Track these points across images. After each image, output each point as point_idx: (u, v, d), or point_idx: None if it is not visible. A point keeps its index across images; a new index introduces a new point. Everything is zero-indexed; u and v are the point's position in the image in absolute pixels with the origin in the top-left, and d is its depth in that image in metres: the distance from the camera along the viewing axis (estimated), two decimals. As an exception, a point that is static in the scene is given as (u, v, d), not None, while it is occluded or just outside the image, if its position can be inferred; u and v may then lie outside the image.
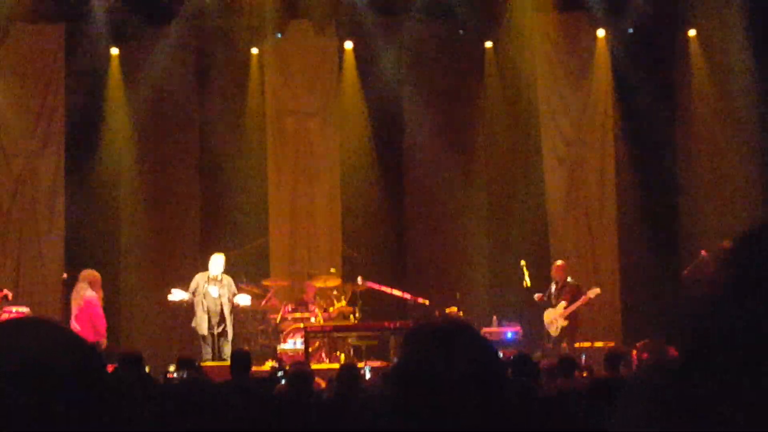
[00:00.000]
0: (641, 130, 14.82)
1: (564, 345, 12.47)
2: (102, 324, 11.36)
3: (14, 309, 12.01)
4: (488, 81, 15.45)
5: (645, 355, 9.66)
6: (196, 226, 15.14)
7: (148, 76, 14.81)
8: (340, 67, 15.19)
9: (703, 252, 12.84)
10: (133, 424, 1.16)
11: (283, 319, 13.08)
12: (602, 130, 14.80)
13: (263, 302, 13.40)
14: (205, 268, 12.55)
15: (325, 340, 12.70)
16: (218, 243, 13.76)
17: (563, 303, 12.68)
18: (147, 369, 8.52)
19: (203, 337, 12.26)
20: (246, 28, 14.90)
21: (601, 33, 14.81)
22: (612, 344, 12.25)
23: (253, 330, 13.47)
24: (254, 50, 15.24)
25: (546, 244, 14.65)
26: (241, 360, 8.08)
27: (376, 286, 13.43)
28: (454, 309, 13.12)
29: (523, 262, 13.31)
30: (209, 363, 11.67)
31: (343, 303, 13.25)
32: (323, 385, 7.83)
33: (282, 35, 15.07)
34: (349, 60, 15.24)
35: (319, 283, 13.42)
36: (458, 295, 13.71)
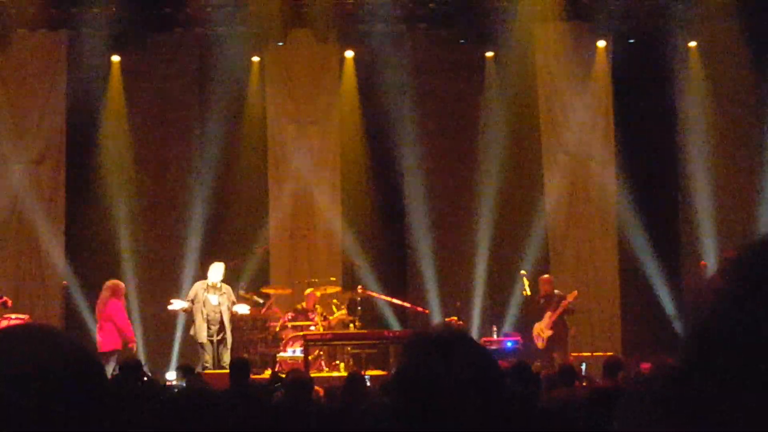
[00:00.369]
0: (642, 140, 14.84)
1: (555, 355, 12.49)
2: (128, 329, 11.87)
3: (14, 316, 12.02)
4: (489, 90, 15.47)
5: (645, 365, 9.66)
6: (197, 234, 15.14)
7: (148, 83, 14.84)
8: (341, 76, 15.22)
9: (702, 263, 12.85)
10: (131, 430, 1.17)
11: (283, 327, 13.07)
12: (603, 140, 14.81)
13: (263, 310, 13.40)
14: (205, 276, 12.58)
15: (325, 348, 12.69)
16: (218, 251, 13.77)
17: (549, 314, 12.74)
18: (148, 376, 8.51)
19: (202, 344, 12.26)
20: (247, 36, 14.92)
21: (601, 43, 14.83)
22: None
23: (253, 338, 13.47)
24: (255, 58, 15.27)
25: (546, 254, 14.66)
26: (240, 367, 8.08)
27: (375, 295, 13.43)
28: (454, 318, 13.11)
29: (523, 272, 13.32)
30: (209, 371, 11.67)
31: (343, 311, 13.24)
32: (321, 393, 7.81)
33: (283, 44, 15.09)
34: (350, 69, 15.26)
35: (319, 292, 13.41)
36: (458, 304, 13.72)
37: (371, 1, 14.68)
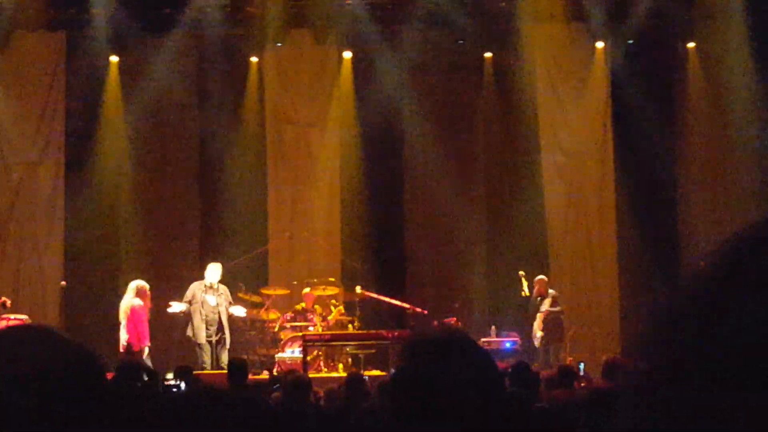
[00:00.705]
0: (640, 141, 14.84)
1: (550, 355, 12.58)
2: (143, 331, 11.83)
3: (12, 316, 12.01)
4: (487, 91, 15.47)
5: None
6: (195, 235, 15.14)
7: (147, 84, 14.83)
8: (340, 77, 15.22)
9: (702, 263, 12.84)
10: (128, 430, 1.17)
11: (282, 327, 13.07)
12: (601, 140, 14.81)
13: (262, 311, 13.40)
14: (204, 277, 12.56)
15: (324, 349, 12.69)
16: (217, 251, 13.77)
17: (540, 314, 12.85)
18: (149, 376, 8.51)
19: (200, 345, 12.26)
20: (246, 37, 14.93)
21: (600, 45, 14.84)
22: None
23: (252, 338, 13.46)
24: (254, 59, 15.27)
25: (545, 255, 14.66)
26: (238, 368, 8.08)
27: (374, 296, 13.43)
28: (453, 319, 13.11)
29: (521, 272, 13.32)
30: (207, 371, 11.67)
31: (342, 312, 13.24)
32: (321, 394, 7.81)
33: (282, 44, 15.09)
34: (348, 69, 15.26)
35: (317, 292, 13.41)
36: (457, 304, 13.71)
37: (370, 2, 14.69)
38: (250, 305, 13.31)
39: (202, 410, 1.45)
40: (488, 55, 15.42)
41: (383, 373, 11.46)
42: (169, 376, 9.54)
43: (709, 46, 14.78)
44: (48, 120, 14.55)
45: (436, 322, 13.34)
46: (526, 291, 13.15)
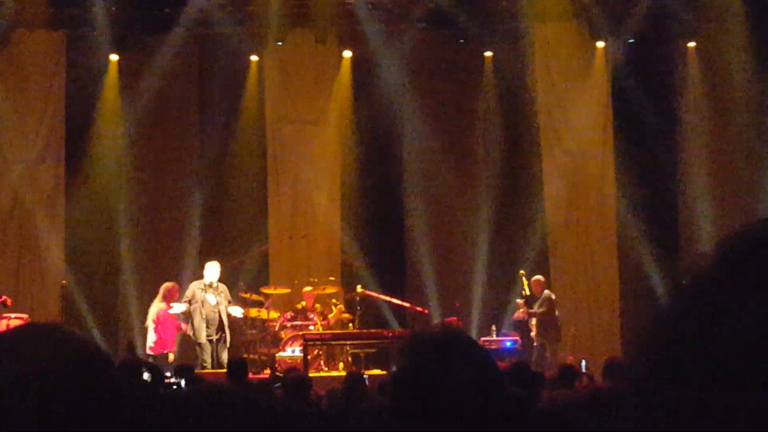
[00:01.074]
0: (641, 140, 14.84)
1: (546, 353, 12.62)
2: (166, 337, 12.21)
3: (13, 315, 12.03)
4: (488, 90, 15.46)
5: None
6: (196, 234, 15.13)
7: (148, 83, 14.83)
8: (340, 76, 15.21)
9: (702, 263, 12.83)
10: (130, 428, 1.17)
11: (282, 326, 13.07)
12: (602, 139, 14.81)
13: (262, 310, 13.40)
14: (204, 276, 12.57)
15: (324, 348, 12.70)
16: (217, 250, 13.77)
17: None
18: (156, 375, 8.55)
19: (200, 344, 12.25)
20: (247, 36, 14.92)
21: (600, 43, 14.83)
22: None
23: (252, 337, 13.46)
24: (254, 57, 15.26)
25: (545, 254, 14.66)
26: (238, 367, 8.09)
27: (375, 295, 13.44)
28: (453, 318, 13.11)
29: (522, 272, 13.33)
30: (208, 370, 11.68)
31: (342, 311, 13.25)
32: (322, 393, 7.81)
33: (282, 44, 15.09)
34: (349, 68, 15.25)
35: (318, 291, 13.42)
36: (457, 304, 13.72)
37: (370, 1, 14.69)
38: (251, 304, 13.31)
39: (204, 409, 1.45)
40: (488, 54, 15.40)
41: (383, 373, 11.47)
42: (169, 374, 9.55)
43: (710, 45, 14.77)
44: (48, 119, 14.56)
45: (436, 321, 13.36)
46: (526, 290, 13.15)
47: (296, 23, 14.94)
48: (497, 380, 1.83)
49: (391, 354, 12.06)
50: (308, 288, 13.34)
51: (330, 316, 13.12)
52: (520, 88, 15.06)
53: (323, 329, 12.81)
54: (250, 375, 10.01)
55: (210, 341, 12.27)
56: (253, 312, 13.21)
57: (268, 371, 12.06)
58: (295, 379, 6.96)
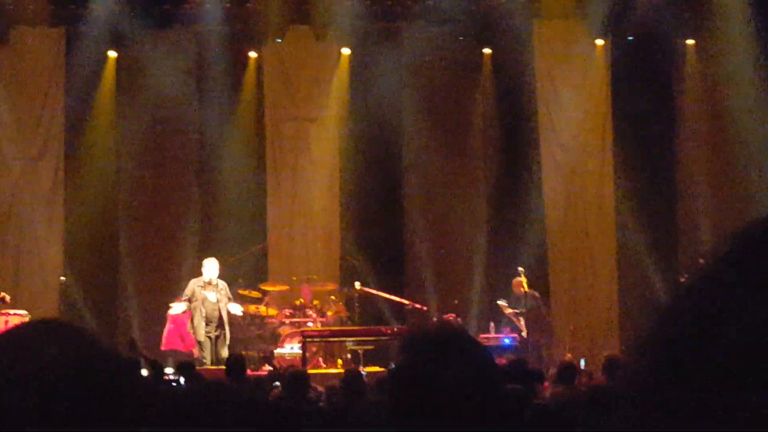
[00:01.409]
0: (640, 137, 14.84)
1: (541, 351, 12.67)
2: (168, 336, 12.40)
3: (12, 312, 12.03)
4: (487, 87, 15.46)
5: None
6: (195, 231, 15.12)
7: (146, 79, 14.82)
8: (339, 73, 15.20)
9: (701, 260, 12.83)
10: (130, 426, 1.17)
11: (281, 323, 13.07)
12: (601, 137, 14.81)
13: (261, 306, 13.40)
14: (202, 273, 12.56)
15: (323, 344, 12.70)
16: (217, 247, 13.77)
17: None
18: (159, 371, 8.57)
19: (200, 342, 12.25)
20: (245, 32, 14.91)
21: (600, 41, 14.82)
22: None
23: (251, 334, 13.46)
24: (253, 54, 15.25)
25: (544, 251, 14.66)
26: (236, 364, 8.09)
27: (374, 292, 13.44)
28: (452, 315, 13.11)
29: (520, 269, 13.32)
30: (207, 367, 11.68)
31: (341, 308, 13.25)
32: (321, 390, 7.82)
33: (282, 40, 15.08)
34: (347, 66, 15.24)
35: (316, 288, 13.41)
36: (456, 300, 13.71)
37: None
38: (250, 301, 13.31)
39: (204, 406, 1.45)
40: (487, 51, 15.39)
41: (382, 370, 11.47)
42: (170, 371, 9.57)
43: (709, 43, 14.78)
44: (47, 116, 14.55)
45: (435, 319, 13.36)
46: (525, 287, 13.15)
47: (295, 20, 14.94)
48: (495, 377, 1.83)
49: (390, 351, 12.06)
50: (306, 285, 13.33)
51: (328, 313, 13.12)
52: (519, 85, 15.06)
53: (322, 326, 12.81)
54: (249, 372, 10.01)
55: (209, 338, 12.27)
56: (252, 308, 13.21)
57: (266, 368, 12.07)
58: (294, 375, 6.96)
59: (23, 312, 12.15)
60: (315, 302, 13.22)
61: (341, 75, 15.21)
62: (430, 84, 15.32)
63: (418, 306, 13.39)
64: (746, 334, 0.70)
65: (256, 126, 15.22)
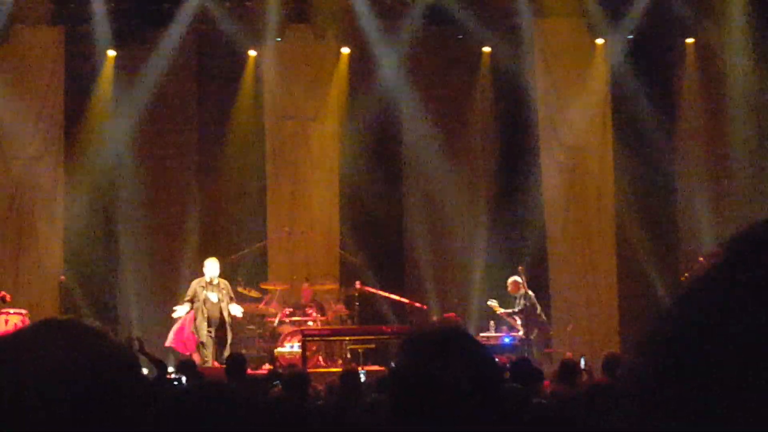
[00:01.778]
0: (639, 137, 14.84)
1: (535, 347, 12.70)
2: (190, 339, 12.22)
3: (12, 311, 12.03)
4: (486, 86, 15.46)
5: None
6: (195, 230, 15.12)
7: (146, 78, 14.82)
8: (339, 72, 15.20)
9: (701, 259, 12.85)
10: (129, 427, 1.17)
11: (281, 322, 13.07)
12: (601, 136, 14.81)
13: (261, 305, 13.40)
14: (202, 272, 12.55)
15: (323, 343, 12.70)
16: (217, 246, 13.77)
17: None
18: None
19: (202, 342, 12.25)
20: (245, 31, 14.91)
21: (600, 40, 14.82)
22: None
23: (251, 333, 13.47)
24: (252, 53, 15.24)
25: (544, 250, 14.66)
26: (237, 363, 8.09)
27: (374, 291, 13.44)
28: (452, 314, 13.11)
29: (520, 268, 13.32)
30: (208, 366, 11.69)
31: (341, 307, 13.25)
32: (320, 388, 7.82)
33: (281, 39, 15.08)
34: (347, 65, 15.24)
35: (317, 287, 13.42)
36: (456, 300, 13.70)
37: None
38: (249, 300, 13.31)
39: (204, 405, 1.45)
40: (487, 49, 15.39)
41: (382, 368, 11.47)
42: (171, 370, 9.56)
43: (709, 42, 14.78)
44: (47, 115, 14.54)
45: (435, 318, 13.37)
46: (525, 287, 13.15)
47: (295, 19, 14.94)
48: (496, 376, 1.83)
49: (390, 350, 12.07)
50: (306, 284, 13.34)
51: (329, 313, 13.13)
52: (518, 84, 15.06)
53: (321, 325, 12.81)
54: (249, 371, 10.01)
55: (210, 338, 12.27)
56: (252, 308, 13.22)
57: (267, 367, 12.07)
58: (294, 374, 6.96)
59: (23, 311, 12.15)
60: (315, 301, 13.22)
61: (341, 74, 15.21)
62: (430, 82, 15.32)
63: (418, 305, 13.39)
64: (746, 334, 0.70)
65: (255, 125, 15.21)
